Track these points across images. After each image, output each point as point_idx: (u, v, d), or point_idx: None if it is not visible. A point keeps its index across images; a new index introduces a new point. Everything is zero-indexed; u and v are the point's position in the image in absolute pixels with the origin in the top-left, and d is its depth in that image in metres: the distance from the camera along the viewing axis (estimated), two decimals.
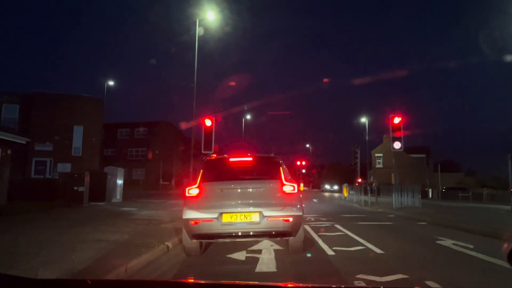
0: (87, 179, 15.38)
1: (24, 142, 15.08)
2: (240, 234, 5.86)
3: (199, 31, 17.61)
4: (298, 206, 6.06)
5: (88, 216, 11.31)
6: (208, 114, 15.09)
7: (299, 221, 6.02)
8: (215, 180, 6.27)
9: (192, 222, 5.85)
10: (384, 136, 51.39)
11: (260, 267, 5.47)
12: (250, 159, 6.70)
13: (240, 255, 6.29)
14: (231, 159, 6.71)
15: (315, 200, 30.04)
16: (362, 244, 7.39)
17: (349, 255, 6.43)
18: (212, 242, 7.10)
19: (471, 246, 7.15)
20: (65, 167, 24.42)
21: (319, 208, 19.42)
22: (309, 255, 6.46)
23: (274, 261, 5.87)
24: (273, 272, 5.23)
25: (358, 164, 43.71)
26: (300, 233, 6.17)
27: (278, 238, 6.81)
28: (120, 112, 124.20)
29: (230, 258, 6.16)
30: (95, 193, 16.28)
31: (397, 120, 16.67)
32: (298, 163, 65.64)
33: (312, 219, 12.71)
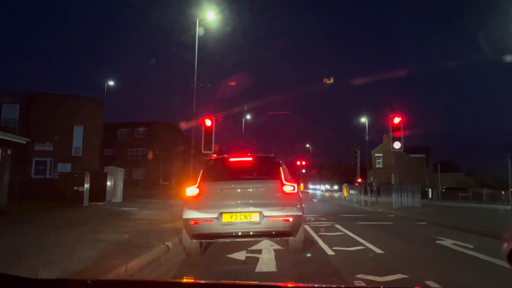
0: (87, 179, 15.38)
1: (24, 142, 15.06)
2: (240, 234, 5.87)
3: (199, 31, 17.65)
4: (298, 206, 6.06)
5: (88, 216, 11.31)
6: (208, 114, 15.11)
7: (299, 221, 6.03)
8: (215, 180, 6.27)
9: (192, 222, 5.86)
10: (384, 136, 51.43)
11: (260, 267, 5.47)
12: (250, 159, 6.71)
13: (240, 255, 6.29)
14: (231, 159, 6.71)
15: (315, 200, 30.08)
16: (362, 244, 7.39)
17: (349, 255, 6.44)
18: (212, 242, 7.10)
19: (471, 246, 7.15)
20: (65, 167, 24.46)
21: (319, 208, 19.44)
22: (309, 255, 6.46)
23: (274, 261, 5.87)
24: (273, 272, 5.23)
25: (358, 164, 43.60)
26: (300, 233, 6.17)
27: (278, 238, 6.82)
28: (120, 112, 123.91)
29: (230, 258, 6.16)
30: (95, 193, 16.27)
31: (397, 120, 16.68)
32: (298, 163, 65.57)
33: (312, 219, 12.72)
